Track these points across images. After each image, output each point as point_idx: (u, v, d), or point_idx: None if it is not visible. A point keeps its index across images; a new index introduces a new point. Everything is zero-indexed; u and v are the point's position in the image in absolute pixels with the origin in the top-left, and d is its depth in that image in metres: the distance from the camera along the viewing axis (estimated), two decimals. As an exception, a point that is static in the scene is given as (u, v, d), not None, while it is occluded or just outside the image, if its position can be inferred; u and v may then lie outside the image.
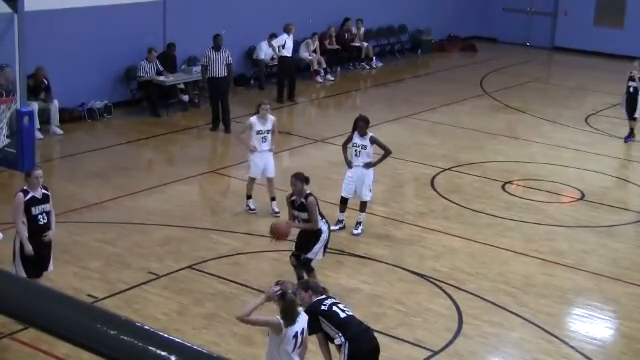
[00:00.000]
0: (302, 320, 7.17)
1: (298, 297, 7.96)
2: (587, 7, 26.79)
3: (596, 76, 23.82)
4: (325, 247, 10.02)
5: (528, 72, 24.24)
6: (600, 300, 10.56)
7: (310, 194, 9.92)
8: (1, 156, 9.23)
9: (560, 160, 16.00)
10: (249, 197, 12.67)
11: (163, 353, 2.33)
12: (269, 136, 12.49)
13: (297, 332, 7.07)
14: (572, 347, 9.33)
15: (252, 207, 12.63)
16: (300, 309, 7.20)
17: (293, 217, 10.02)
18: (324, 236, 9.91)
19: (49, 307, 2.57)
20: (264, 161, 12.46)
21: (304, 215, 9.87)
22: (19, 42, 9.12)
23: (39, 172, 9.17)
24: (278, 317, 7.07)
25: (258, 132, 12.44)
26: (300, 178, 9.96)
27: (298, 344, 7.11)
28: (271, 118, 12.61)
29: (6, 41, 12.59)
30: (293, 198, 9.99)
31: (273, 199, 12.50)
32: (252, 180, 12.61)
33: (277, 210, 12.38)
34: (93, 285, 10.14)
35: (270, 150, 12.55)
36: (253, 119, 12.52)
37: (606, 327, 10.10)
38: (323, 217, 10.07)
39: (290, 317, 7.04)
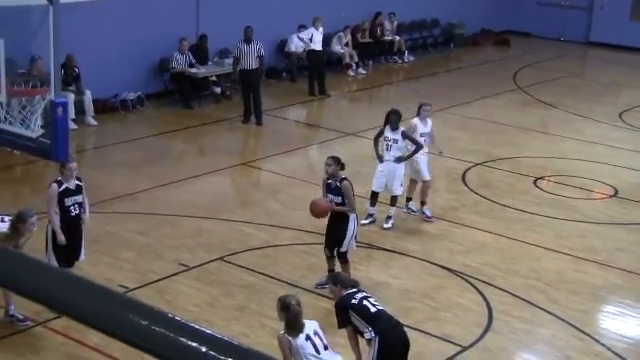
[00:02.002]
0: (310, 325, 7.14)
1: (329, 290, 7.95)
2: (623, 2, 26.48)
3: (631, 72, 23.57)
4: (355, 238, 10.02)
5: (562, 67, 24.03)
6: (632, 298, 10.45)
7: (345, 178, 9.89)
8: (35, 146, 9.32)
9: (593, 156, 15.84)
10: (409, 199, 12.53)
11: (194, 344, 2.34)
12: (429, 139, 12.40)
13: (308, 334, 7.02)
14: (603, 345, 9.25)
15: (414, 210, 12.51)
16: (305, 320, 7.16)
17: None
18: (351, 227, 9.88)
19: (82, 296, 2.59)
20: (425, 162, 12.31)
21: (338, 199, 9.83)
22: (54, 34, 9.18)
23: (74, 165, 9.28)
24: (281, 333, 7.05)
25: (422, 134, 12.18)
26: (336, 161, 9.92)
27: (320, 345, 7.07)
28: (429, 121, 12.44)
29: (39, 33, 12.69)
30: (329, 181, 9.95)
31: (423, 203, 12.41)
32: (413, 182, 12.51)
33: (429, 215, 12.38)
34: (125, 275, 10.23)
35: (429, 153, 12.47)
36: (416, 121, 12.27)
37: (638, 325, 9.99)
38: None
39: (295, 328, 7.02)
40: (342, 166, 9.96)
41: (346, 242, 9.86)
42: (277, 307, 7.21)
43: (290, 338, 6.97)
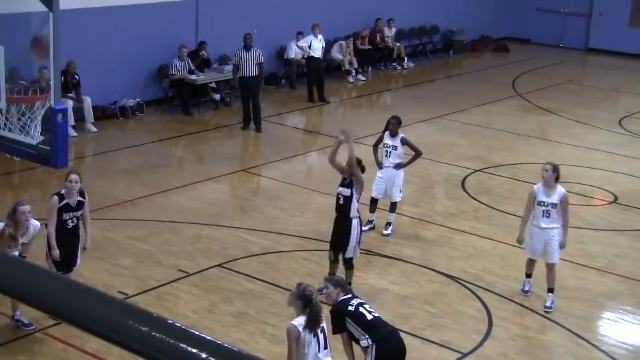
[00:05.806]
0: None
1: (326, 292, 7.92)
2: (622, 8, 26.51)
3: (631, 78, 23.58)
4: (359, 244, 10.02)
5: (561, 73, 24.04)
6: (632, 304, 10.45)
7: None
8: (35, 153, 9.33)
9: (592, 162, 15.85)
10: (528, 276, 10.44)
11: (193, 350, 2.35)
12: (554, 210, 9.93)
13: (316, 331, 7.05)
14: (603, 351, 9.25)
15: (527, 289, 10.41)
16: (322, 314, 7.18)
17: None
18: (354, 233, 9.89)
19: (81, 302, 2.60)
20: (546, 237, 10.02)
21: (347, 192, 9.86)
22: (54, 40, 9.20)
23: (74, 177, 9.07)
24: (291, 324, 7.04)
25: (540, 203, 9.93)
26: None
27: (322, 344, 7.09)
28: (560, 190, 9.97)
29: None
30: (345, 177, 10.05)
31: (551, 290, 10.15)
32: (532, 262, 10.35)
33: (549, 304, 10.07)
34: (124, 282, 10.22)
35: (557, 227, 9.99)
36: (537, 187, 10.04)
37: (638, 331, 9.99)
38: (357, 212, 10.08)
39: (314, 323, 7.02)
40: (363, 168, 10.30)
41: (350, 247, 9.88)
42: (294, 293, 7.15)
43: (300, 331, 6.95)
